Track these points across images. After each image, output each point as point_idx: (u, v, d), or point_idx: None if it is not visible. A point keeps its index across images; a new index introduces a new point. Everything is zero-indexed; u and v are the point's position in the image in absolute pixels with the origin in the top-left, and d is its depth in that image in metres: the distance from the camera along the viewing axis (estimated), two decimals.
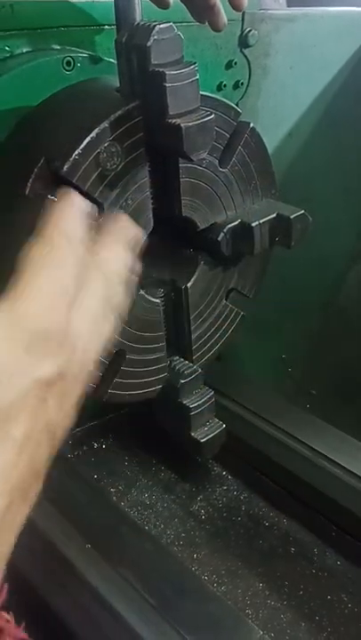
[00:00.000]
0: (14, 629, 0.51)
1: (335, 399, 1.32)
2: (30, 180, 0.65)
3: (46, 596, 0.70)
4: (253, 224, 0.80)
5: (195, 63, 0.66)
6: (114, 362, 0.78)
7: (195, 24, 0.90)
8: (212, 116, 0.67)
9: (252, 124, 0.79)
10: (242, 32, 0.98)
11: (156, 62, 0.65)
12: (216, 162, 0.78)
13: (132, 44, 0.65)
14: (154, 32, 0.64)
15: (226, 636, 0.70)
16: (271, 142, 0.87)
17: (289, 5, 1.74)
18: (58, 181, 0.66)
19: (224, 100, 0.77)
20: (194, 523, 0.91)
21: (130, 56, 0.66)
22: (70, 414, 0.44)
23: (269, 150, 0.84)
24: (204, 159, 0.75)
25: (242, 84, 1.01)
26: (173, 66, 0.65)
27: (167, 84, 0.64)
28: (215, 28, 0.80)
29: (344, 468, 0.91)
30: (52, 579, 0.73)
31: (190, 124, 0.65)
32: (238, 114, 0.78)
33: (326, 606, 0.80)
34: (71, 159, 0.64)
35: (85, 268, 0.46)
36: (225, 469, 0.99)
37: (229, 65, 0.98)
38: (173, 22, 0.88)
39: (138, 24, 0.66)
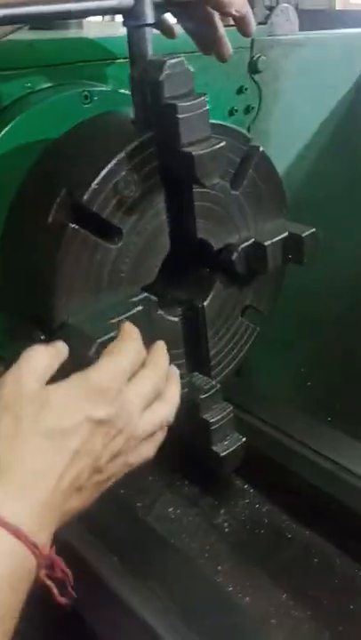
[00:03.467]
0: (62, 563, 0.57)
1: (356, 412, 1.32)
2: (53, 210, 0.69)
3: (75, 606, 0.73)
4: (266, 243, 0.82)
5: (205, 95, 0.69)
6: None
7: None
8: (223, 143, 0.70)
9: (261, 149, 0.82)
10: (251, 58, 1.01)
11: (168, 95, 0.68)
12: (228, 185, 0.81)
13: (146, 79, 0.69)
14: (165, 67, 0.67)
15: None
16: (282, 164, 0.90)
17: (301, 22, 1.77)
18: (78, 210, 0.69)
19: (234, 126, 0.80)
20: (218, 536, 0.92)
21: (144, 90, 0.70)
22: (115, 464, 0.62)
23: (280, 172, 0.87)
24: (216, 184, 0.77)
25: (253, 108, 1.04)
26: (185, 98, 0.68)
27: (179, 116, 0.67)
28: (221, 59, 0.83)
29: None
30: (81, 590, 0.75)
31: (202, 152, 0.67)
32: (248, 139, 0.81)
33: (349, 617, 0.81)
34: (91, 189, 0.67)
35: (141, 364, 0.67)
36: (247, 483, 1.01)
37: (240, 91, 1.01)
38: (185, 53, 0.92)
39: (150, 60, 0.70)
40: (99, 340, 0.67)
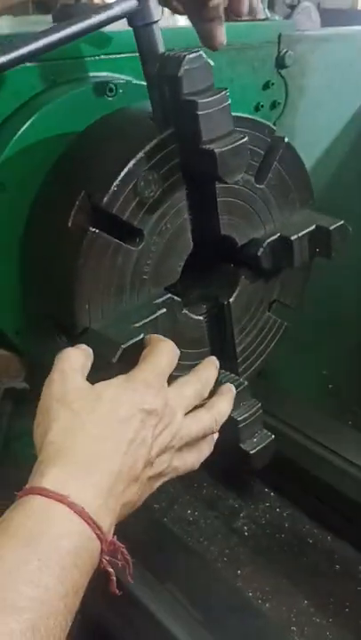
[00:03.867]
0: (125, 550, 0.58)
1: None
2: (72, 213, 0.67)
3: (93, 608, 0.71)
4: (293, 238, 0.80)
5: (225, 89, 0.67)
6: None
7: (233, 48, 0.92)
8: (245, 138, 0.67)
9: (286, 139, 0.80)
10: (278, 53, 0.99)
11: (187, 91, 0.65)
12: (252, 179, 0.79)
13: (164, 75, 0.66)
14: (184, 62, 0.65)
15: None
16: (308, 160, 0.87)
17: (322, 21, 1.76)
18: (98, 213, 0.67)
19: (257, 118, 0.77)
20: (237, 539, 0.91)
21: (162, 86, 0.67)
22: (162, 460, 0.64)
23: (307, 167, 0.85)
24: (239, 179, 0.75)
25: (279, 103, 1.02)
26: (205, 93, 0.66)
27: (199, 112, 0.64)
28: (211, 49, 0.78)
29: None
30: (99, 592, 0.74)
31: (224, 148, 0.65)
32: (272, 130, 0.79)
33: None
34: (110, 191, 0.66)
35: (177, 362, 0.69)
36: (267, 486, 0.99)
37: (267, 86, 0.99)
38: None
39: (168, 55, 0.67)
40: (123, 346, 0.66)
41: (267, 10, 1.02)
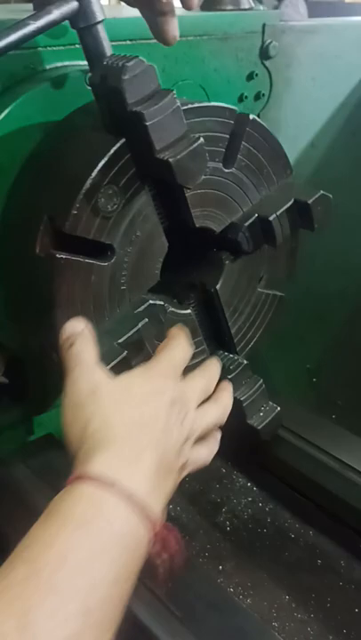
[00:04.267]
0: (174, 544, 0.57)
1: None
2: (38, 239, 0.66)
3: None
4: (271, 217, 0.77)
5: (172, 91, 0.64)
6: None
7: (218, 38, 0.91)
8: (201, 140, 0.65)
9: (252, 116, 0.77)
10: (263, 44, 0.98)
11: (132, 101, 0.63)
12: (220, 165, 0.76)
13: (106, 86, 0.64)
14: (124, 72, 0.62)
15: None
16: (293, 152, 0.86)
17: (310, 14, 1.74)
18: (63, 236, 0.66)
19: (214, 103, 0.74)
20: (219, 534, 0.90)
21: (106, 97, 0.65)
22: (185, 450, 0.63)
23: (291, 160, 0.83)
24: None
25: (263, 95, 1.01)
26: (151, 99, 0.63)
27: (147, 123, 0.62)
28: (163, 44, 0.74)
29: None
30: None
31: (179, 156, 0.63)
32: (233, 111, 0.75)
33: (354, 619, 0.79)
34: (70, 215, 0.64)
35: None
36: (250, 481, 0.99)
37: (251, 76, 0.98)
38: (195, 36, 0.88)
39: (107, 64, 0.64)
40: (108, 367, 0.65)
41: None
